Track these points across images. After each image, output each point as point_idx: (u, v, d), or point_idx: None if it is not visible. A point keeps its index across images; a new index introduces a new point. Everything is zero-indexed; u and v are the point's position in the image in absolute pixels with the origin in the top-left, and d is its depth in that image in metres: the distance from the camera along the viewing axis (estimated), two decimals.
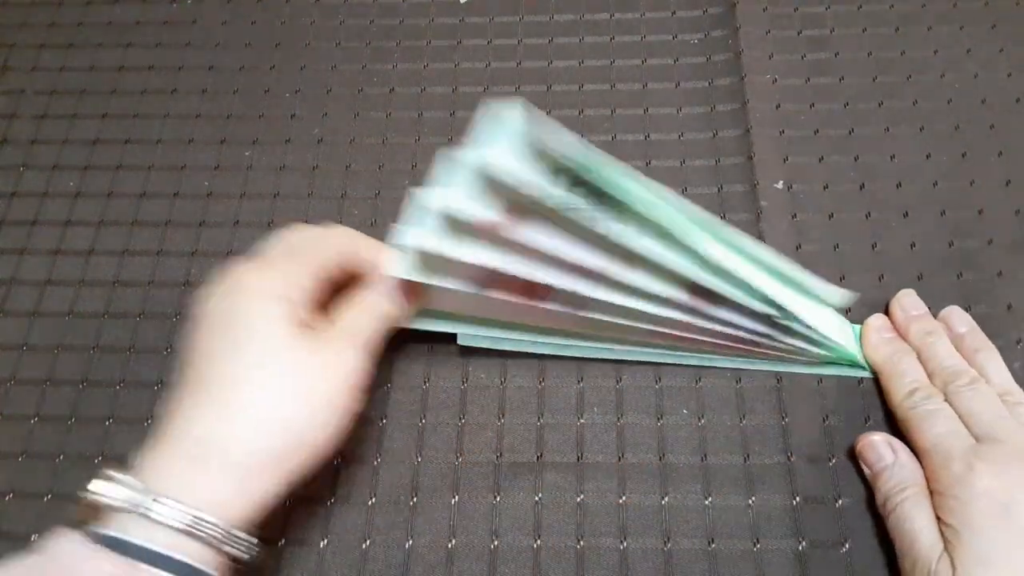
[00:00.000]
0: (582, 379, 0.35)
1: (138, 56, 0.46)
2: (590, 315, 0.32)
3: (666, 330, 0.33)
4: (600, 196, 0.28)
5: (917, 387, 0.32)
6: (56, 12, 0.48)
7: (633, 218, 0.29)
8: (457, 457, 0.34)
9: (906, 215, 0.39)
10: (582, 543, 0.32)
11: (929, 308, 0.35)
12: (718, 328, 0.32)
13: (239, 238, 0.39)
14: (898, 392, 0.32)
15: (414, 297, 0.32)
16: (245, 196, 0.41)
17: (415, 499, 0.33)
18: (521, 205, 0.28)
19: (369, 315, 0.30)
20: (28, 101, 0.45)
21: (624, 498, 0.33)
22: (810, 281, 0.33)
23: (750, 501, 0.32)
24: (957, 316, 0.35)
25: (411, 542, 0.32)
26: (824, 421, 0.34)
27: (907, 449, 0.31)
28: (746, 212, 0.39)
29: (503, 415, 0.35)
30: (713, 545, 0.31)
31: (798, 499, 0.32)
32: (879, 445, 0.31)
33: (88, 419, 0.35)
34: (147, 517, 0.24)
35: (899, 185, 0.39)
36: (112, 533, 0.24)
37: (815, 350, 0.33)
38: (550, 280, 0.30)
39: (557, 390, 0.35)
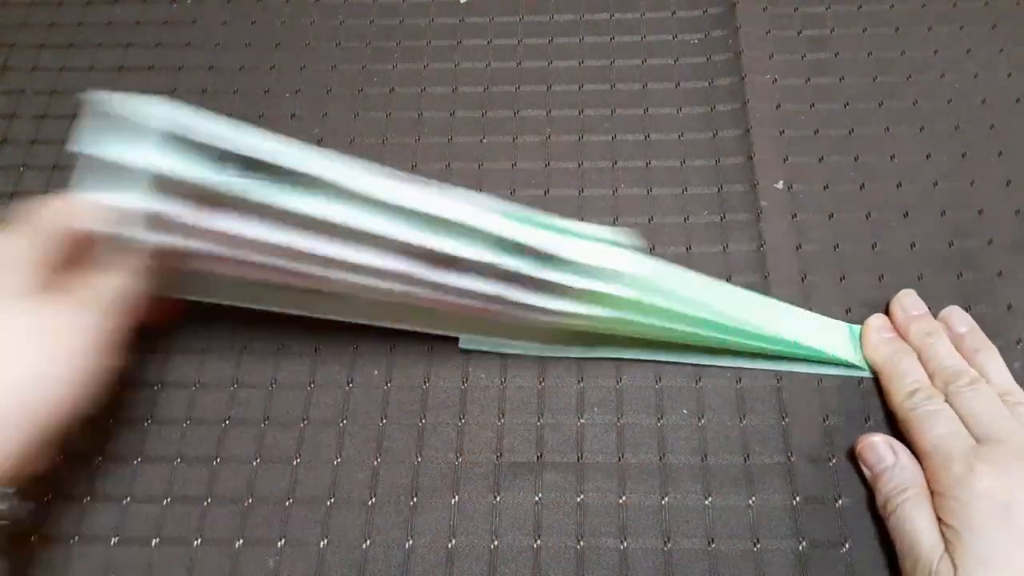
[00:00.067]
0: (582, 379, 0.35)
1: (138, 56, 0.46)
2: (330, 276, 0.31)
3: (412, 290, 0.31)
4: (280, 174, 0.28)
5: (917, 388, 0.32)
6: (56, 12, 0.48)
7: (324, 189, 0.28)
8: (457, 457, 0.34)
9: (906, 215, 0.39)
10: (582, 543, 0.32)
11: (929, 308, 0.35)
12: (463, 286, 0.30)
13: None
14: (898, 393, 0.32)
15: (165, 260, 0.32)
16: None
17: (415, 499, 0.33)
18: (207, 195, 0.28)
19: (106, 277, 0.31)
20: (28, 101, 0.45)
21: (624, 498, 0.33)
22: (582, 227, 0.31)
23: (750, 501, 0.32)
24: (957, 316, 0.35)
25: (411, 542, 0.32)
26: (824, 421, 0.34)
27: (907, 450, 0.31)
28: (746, 212, 0.39)
29: (503, 415, 0.35)
30: (713, 545, 0.31)
31: (798, 499, 0.32)
32: (879, 446, 0.31)
33: (87, 419, 0.35)
34: None
35: (899, 185, 0.39)
36: None
37: (581, 284, 0.31)
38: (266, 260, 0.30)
39: (557, 390, 0.35)
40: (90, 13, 0.48)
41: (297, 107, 0.44)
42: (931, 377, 0.33)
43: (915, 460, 0.31)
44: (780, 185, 0.39)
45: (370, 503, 0.33)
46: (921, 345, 0.34)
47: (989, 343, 0.33)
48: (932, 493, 0.29)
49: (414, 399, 0.35)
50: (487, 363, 0.36)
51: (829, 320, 0.35)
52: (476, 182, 0.40)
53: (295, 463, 0.34)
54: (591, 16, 0.46)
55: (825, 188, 0.39)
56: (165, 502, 0.33)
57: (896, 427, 0.32)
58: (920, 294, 0.35)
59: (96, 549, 0.32)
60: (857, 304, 0.36)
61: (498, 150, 0.41)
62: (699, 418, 0.34)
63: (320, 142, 0.42)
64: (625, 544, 0.32)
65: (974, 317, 0.35)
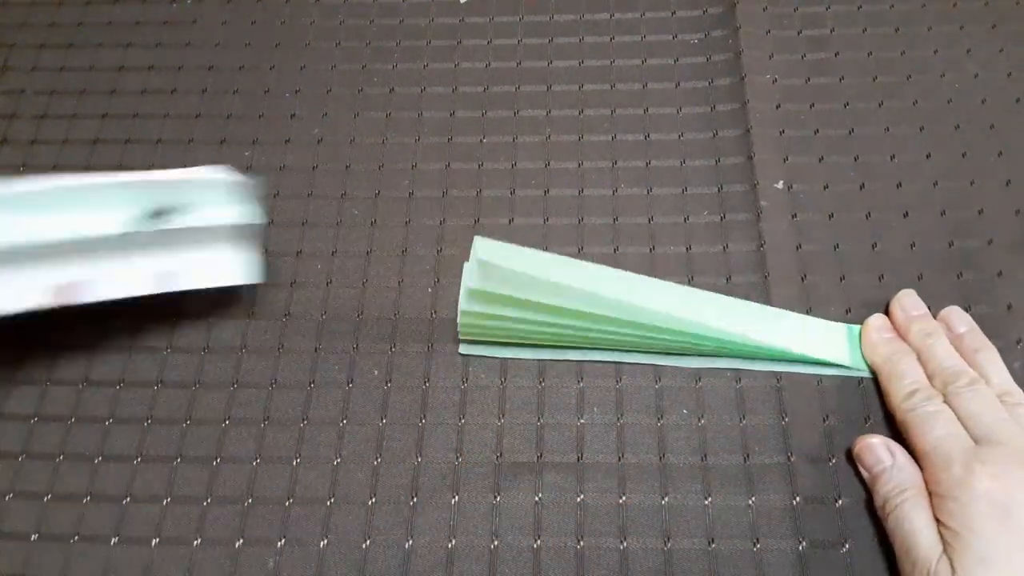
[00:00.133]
0: (582, 379, 0.35)
1: (138, 56, 0.46)
2: None
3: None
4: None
5: (917, 388, 0.32)
6: (56, 12, 0.48)
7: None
8: (457, 457, 0.34)
9: (906, 215, 0.39)
10: (582, 543, 0.32)
11: (929, 308, 0.35)
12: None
13: None
14: (897, 393, 0.32)
15: None
16: None
17: (415, 499, 0.33)
18: None
19: None
20: (28, 101, 0.45)
21: (624, 498, 0.33)
22: None
23: (750, 501, 0.32)
24: (957, 316, 0.35)
25: (411, 542, 0.32)
26: (824, 421, 0.34)
27: (905, 452, 0.31)
28: (746, 212, 0.39)
29: (503, 415, 0.35)
30: (713, 545, 0.31)
31: (798, 499, 0.32)
32: (877, 448, 0.31)
33: (88, 419, 0.35)
34: None
35: (899, 185, 0.39)
36: None
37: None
38: None
39: (557, 390, 0.35)
40: (90, 13, 0.48)
41: (297, 107, 0.44)
42: (930, 378, 0.32)
43: (913, 461, 0.31)
44: (780, 185, 0.39)
45: (370, 503, 0.33)
46: (921, 345, 0.34)
47: (989, 343, 0.33)
48: (931, 494, 0.29)
49: (414, 399, 0.35)
50: (487, 363, 0.36)
51: (828, 323, 0.35)
52: (476, 182, 0.40)
53: (295, 463, 0.34)
54: (591, 16, 0.46)
55: (825, 188, 0.39)
56: (165, 502, 0.33)
57: (896, 427, 0.32)
58: (920, 294, 0.35)
59: (96, 549, 0.32)
60: (857, 304, 0.36)
61: (498, 150, 0.41)
62: (699, 418, 0.34)
63: (320, 142, 0.42)
64: (625, 544, 0.32)
65: (974, 317, 0.35)
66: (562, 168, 0.41)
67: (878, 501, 0.31)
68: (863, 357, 0.35)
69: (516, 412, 0.35)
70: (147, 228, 0.34)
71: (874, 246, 0.38)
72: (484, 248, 0.31)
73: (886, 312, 0.36)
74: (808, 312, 0.36)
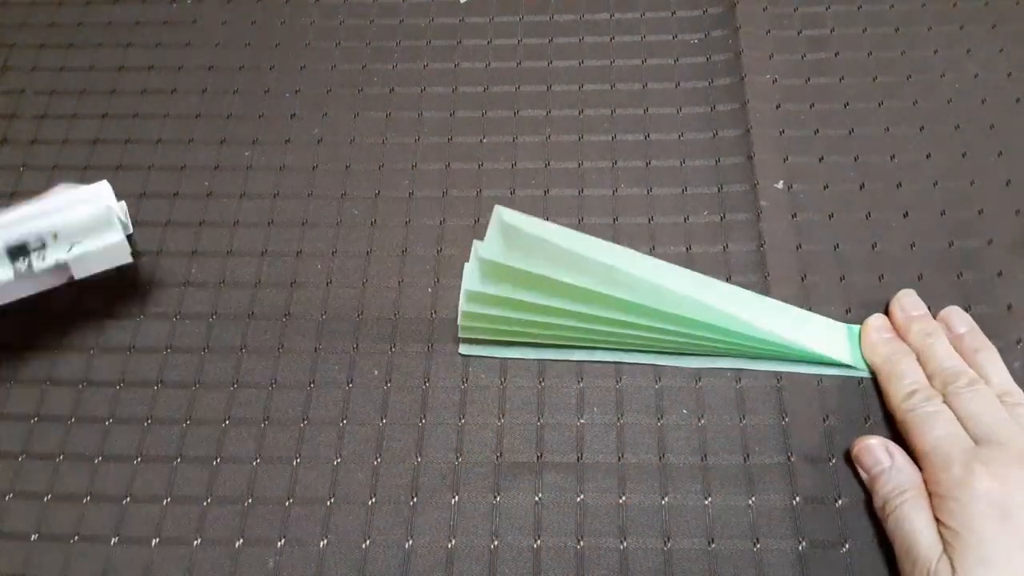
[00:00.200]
0: (582, 379, 0.35)
1: (138, 56, 0.46)
2: None
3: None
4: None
5: (916, 388, 0.32)
6: (56, 12, 0.48)
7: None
8: (457, 457, 0.34)
9: (906, 215, 0.39)
10: (582, 543, 0.32)
11: (929, 308, 0.35)
12: None
13: (239, 238, 0.40)
14: (897, 393, 0.32)
15: None
16: (245, 196, 0.41)
17: (415, 499, 0.33)
18: None
19: None
20: (28, 101, 0.45)
21: (624, 498, 0.33)
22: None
23: (750, 501, 0.32)
24: (957, 316, 0.35)
25: (411, 542, 0.32)
26: (824, 421, 0.34)
27: (903, 452, 0.31)
28: (746, 212, 0.39)
29: (503, 415, 0.35)
30: (713, 545, 0.31)
31: (798, 499, 0.32)
32: (875, 449, 0.31)
33: (88, 419, 0.35)
34: None
35: (899, 185, 0.39)
36: None
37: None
38: None
39: (557, 390, 0.35)
40: (90, 13, 0.48)
41: (297, 107, 0.44)
42: (930, 378, 0.32)
43: (911, 462, 0.31)
44: (780, 185, 0.39)
45: (370, 503, 0.33)
46: (920, 346, 0.34)
47: (989, 343, 0.33)
48: (930, 494, 0.29)
49: (414, 399, 0.35)
50: (487, 363, 0.36)
51: (828, 320, 0.35)
52: (476, 182, 0.40)
53: (295, 463, 0.34)
54: (591, 16, 0.46)
55: (825, 188, 0.39)
56: (165, 502, 0.33)
57: (895, 428, 0.32)
58: (920, 294, 0.35)
59: (96, 549, 0.32)
60: (857, 304, 0.36)
61: (498, 150, 0.41)
62: (699, 418, 0.34)
63: (320, 142, 0.42)
64: (625, 544, 0.32)
65: (974, 317, 0.35)
66: (562, 168, 0.41)
67: (877, 502, 0.31)
68: (863, 357, 0.35)
69: (516, 412, 0.35)
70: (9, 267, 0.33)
71: (874, 246, 0.38)
72: (508, 215, 0.31)
73: (886, 312, 0.36)
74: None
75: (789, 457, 0.33)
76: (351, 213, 0.40)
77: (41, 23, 0.47)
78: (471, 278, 0.32)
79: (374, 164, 0.41)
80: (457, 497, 0.33)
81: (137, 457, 0.34)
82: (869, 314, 0.35)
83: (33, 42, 0.47)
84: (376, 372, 0.36)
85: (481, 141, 0.42)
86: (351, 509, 0.33)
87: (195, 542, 0.32)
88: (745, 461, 0.33)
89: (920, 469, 0.30)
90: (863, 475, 0.32)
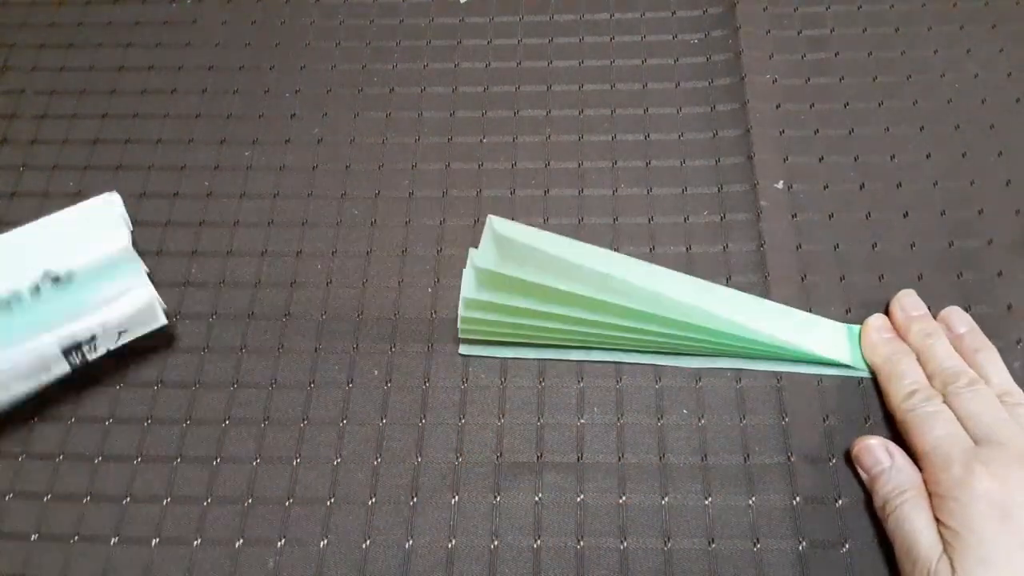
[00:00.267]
0: (582, 379, 0.35)
1: (138, 56, 0.46)
2: None
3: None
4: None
5: (916, 388, 0.32)
6: (56, 12, 0.48)
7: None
8: (457, 457, 0.34)
9: (906, 215, 0.39)
10: (582, 543, 0.32)
11: (929, 308, 0.35)
12: None
13: (239, 238, 0.40)
14: (897, 393, 0.32)
15: None
16: (245, 196, 0.41)
17: (415, 499, 0.33)
18: None
19: None
20: (28, 101, 0.45)
21: (624, 498, 0.33)
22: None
23: (750, 501, 0.32)
24: (957, 316, 0.35)
25: (411, 542, 0.32)
26: (824, 421, 0.34)
27: (903, 452, 0.31)
28: (746, 212, 0.39)
29: (503, 415, 0.35)
30: (713, 545, 0.31)
31: (798, 499, 0.32)
32: (875, 449, 0.31)
33: (88, 419, 0.35)
34: None
35: (899, 185, 0.39)
36: None
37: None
38: None
39: (557, 390, 0.35)
40: (90, 13, 0.48)
41: (297, 107, 0.44)
42: (930, 378, 0.32)
43: (911, 462, 0.31)
44: (780, 185, 0.39)
45: (370, 503, 0.33)
46: (920, 346, 0.34)
47: (989, 343, 0.33)
48: (930, 494, 0.29)
49: (414, 399, 0.35)
50: (487, 363, 0.36)
51: (828, 321, 0.35)
52: (476, 182, 0.40)
53: (295, 463, 0.34)
54: (591, 16, 0.46)
55: (825, 188, 0.39)
56: (165, 502, 0.33)
57: (895, 428, 0.32)
58: (920, 294, 0.35)
59: (96, 549, 0.32)
60: (857, 304, 0.36)
61: (498, 150, 0.41)
62: (699, 418, 0.34)
63: (320, 142, 0.42)
64: (625, 544, 0.32)
65: (974, 317, 0.35)
66: (562, 168, 0.41)
67: (878, 502, 0.31)
68: (863, 357, 0.35)
69: (516, 412, 0.35)
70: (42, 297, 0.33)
71: (874, 246, 0.38)
72: (500, 225, 0.31)
73: (886, 312, 0.36)
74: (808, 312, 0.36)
75: (789, 457, 0.33)
76: (351, 213, 0.40)
77: (41, 23, 0.47)
78: (468, 285, 0.32)
79: (374, 164, 0.41)
80: (457, 497, 0.33)
81: (137, 457, 0.34)
82: (869, 314, 0.35)
83: (33, 42, 0.47)
84: (376, 372, 0.36)
85: (481, 141, 0.42)
86: (351, 509, 0.33)
87: (195, 542, 0.32)
88: (745, 461, 0.33)
89: (920, 469, 0.30)
90: (863, 475, 0.32)
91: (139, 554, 0.32)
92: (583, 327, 0.33)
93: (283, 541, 0.32)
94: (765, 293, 0.36)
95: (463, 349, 0.36)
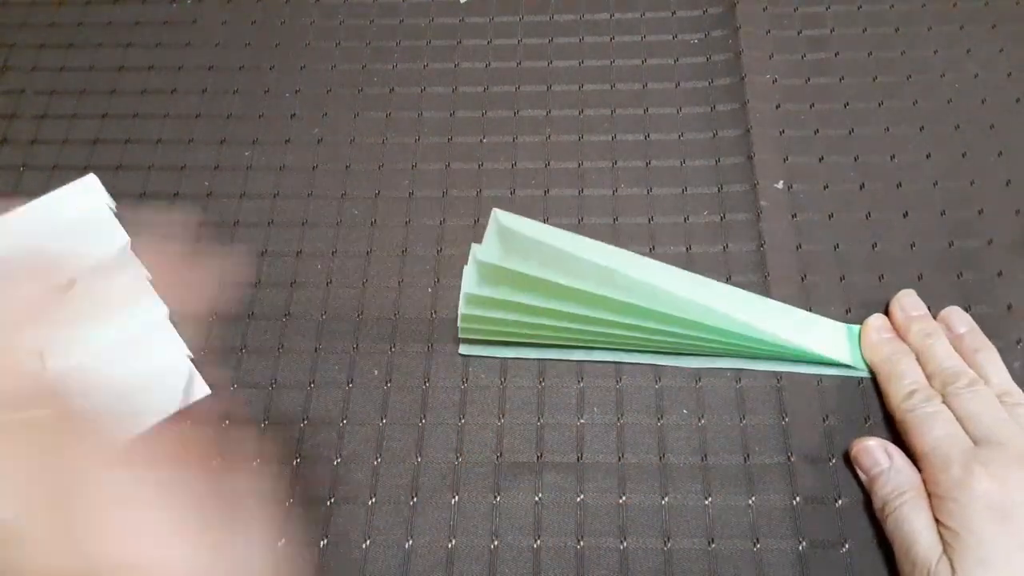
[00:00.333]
0: (582, 379, 0.35)
1: (138, 56, 0.46)
2: None
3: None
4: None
5: (916, 389, 0.32)
6: (56, 12, 0.48)
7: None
8: (457, 457, 0.34)
9: (906, 215, 0.39)
10: (582, 543, 0.32)
11: (929, 308, 0.35)
12: None
13: (239, 238, 0.40)
14: (897, 394, 0.32)
15: None
16: (245, 196, 0.41)
17: (415, 499, 0.33)
18: None
19: None
20: (28, 101, 0.45)
21: (624, 498, 0.33)
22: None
23: (750, 501, 0.32)
24: (957, 316, 0.35)
25: (411, 542, 0.32)
26: (824, 421, 0.34)
27: (902, 453, 0.31)
28: (746, 212, 0.39)
29: (503, 415, 0.35)
30: (713, 545, 0.31)
31: (798, 499, 0.32)
32: (874, 450, 0.31)
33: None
34: None
35: (899, 185, 0.39)
36: None
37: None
38: None
39: (557, 390, 0.35)
40: (90, 13, 0.48)
41: (297, 107, 0.44)
42: (930, 378, 0.32)
43: (910, 463, 0.31)
44: (780, 185, 0.39)
45: (370, 503, 0.33)
46: (920, 346, 0.34)
47: (989, 343, 0.33)
48: (930, 495, 0.29)
49: (414, 399, 0.35)
50: (487, 363, 0.36)
51: (828, 321, 0.35)
52: (476, 182, 0.40)
53: (295, 463, 0.34)
54: (591, 16, 0.46)
55: (825, 188, 0.39)
56: None
57: (895, 428, 0.32)
58: (920, 294, 0.35)
59: None
60: (857, 304, 0.36)
61: (498, 150, 0.41)
62: (699, 418, 0.34)
63: (320, 142, 0.42)
64: (625, 544, 0.32)
65: (974, 317, 0.35)
66: (562, 168, 0.41)
67: (877, 503, 0.31)
68: (863, 357, 0.35)
69: (516, 412, 0.35)
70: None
71: (874, 246, 0.38)
72: (505, 218, 0.31)
73: (886, 312, 0.36)
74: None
75: (789, 457, 0.33)
76: (351, 213, 0.40)
77: (41, 23, 0.47)
78: (469, 281, 0.32)
79: (374, 164, 0.41)
80: (457, 497, 0.33)
81: None
82: (869, 314, 0.35)
83: (33, 42, 0.47)
84: (376, 372, 0.36)
85: (481, 141, 0.42)
86: (351, 509, 0.33)
87: None
88: (745, 461, 0.33)
89: (919, 470, 0.30)
90: (862, 476, 0.32)
91: None
92: (584, 324, 0.33)
93: (283, 541, 0.32)
94: (765, 293, 0.36)
95: (463, 349, 0.36)
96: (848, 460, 0.33)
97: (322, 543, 0.32)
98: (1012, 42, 0.43)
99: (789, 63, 0.43)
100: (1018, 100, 0.41)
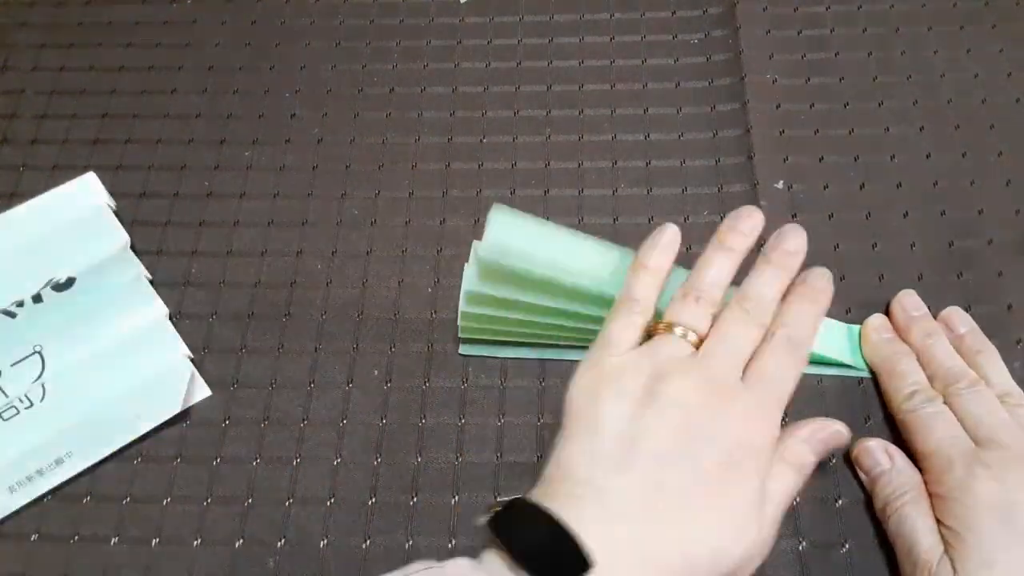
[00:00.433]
0: None
1: (138, 56, 0.46)
2: None
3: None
4: None
5: (917, 389, 0.32)
6: (56, 12, 0.48)
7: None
8: (457, 457, 0.34)
9: (906, 215, 0.39)
10: None
11: (929, 308, 0.35)
12: None
13: (239, 238, 0.40)
14: (898, 394, 0.32)
15: None
16: (245, 196, 0.41)
17: (415, 499, 0.33)
18: None
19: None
20: (28, 101, 0.45)
21: None
22: None
23: None
24: (957, 317, 0.35)
25: (411, 542, 0.32)
26: None
27: (903, 454, 0.31)
28: None
29: (503, 415, 0.35)
30: None
31: (798, 499, 0.32)
32: (875, 451, 0.31)
33: None
34: None
35: (899, 185, 0.39)
36: None
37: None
38: None
39: (557, 390, 0.35)
40: (90, 13, 0.48)
41: (297, 107, 0.44)
42: (931, 379, 0.32)
43: (911, 463, 0.31)
44: (780, 185, 0.39)
45: (370, 503, 0.33)
46: (921, 346, 0.33)
47: (989, 344, 0.33)
48: (931, 495, 0.29)
49: (414, 399, 0.35)
50: (487, 364, 0.36)
51: (828, 320, 0.35)
52: (476, 182, 0.40)
53: (295, 463, 0.34)
54: (591, 16, 0.46)
55: (825, 188, 0.39)
56: (165, 502, 0.33)
57: (896, 428, 0.32)
58: (920, 294, 0.35)
59: (96, 549, 0.32)
60: (857, 304, 0.36)
61: (498, 150, 0.41)
62: None
63: (320, 142, 0.42)
64: None
65: (974, 317, 0.35)
66: (562, 168, 0.41)
67: (878, 504, 0.31)
68: (863, 357, 0.35)
69: (516, 412, 0.35)
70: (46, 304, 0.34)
71: (874, 246, 0.38)
72: (506, 215, 0.31)
73: (886, 312, 0.36)
74: None
75: None
76: (351, 213, 0.40)
77: (41, 23, 0.47)
78: (470, 279, 0.32)
79: (374, 164, 0.41)
80: (457, 497, 0.33)
81: (137, 457, 0.34)
82: (869, 314, 0.35)
83: (33, 42, 0.47)
84: (376, 372, 0.36)
85: (481, 141, 0.42)
86: (351, 509, 0.33)
87: (195, 542, 0.32)
88: None
89: (920, 470, 0.30)
90: (863, 477, 0.32)
91: (139, 554, 0.32)
92: (584, 323, 0.32)
93: (283, 541, 0.32)
94: None
95: (463, 349, 0.36)
96: (848, 460, 0.33)
97: (322, 543, 0.32)
98: (1012, 42, 0.43)
99: (789, 63, 0.43)
100: (1018, 100, 0.41)
